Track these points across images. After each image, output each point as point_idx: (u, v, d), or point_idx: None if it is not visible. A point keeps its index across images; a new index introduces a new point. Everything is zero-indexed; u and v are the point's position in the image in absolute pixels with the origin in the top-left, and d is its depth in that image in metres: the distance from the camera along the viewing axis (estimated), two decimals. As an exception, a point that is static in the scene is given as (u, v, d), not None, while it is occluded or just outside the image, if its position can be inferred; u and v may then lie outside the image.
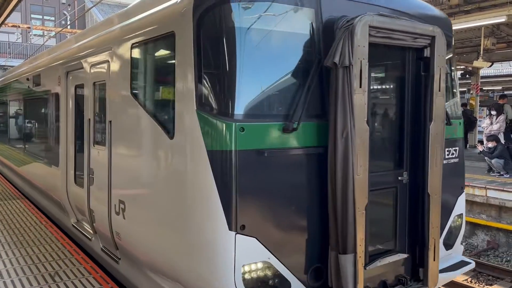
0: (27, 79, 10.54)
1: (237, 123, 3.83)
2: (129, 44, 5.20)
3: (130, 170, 5.26)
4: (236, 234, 3.82)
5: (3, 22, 13.40)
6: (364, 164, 4.13)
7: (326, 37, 4.29)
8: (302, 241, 4.22)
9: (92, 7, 19.10)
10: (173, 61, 4.35)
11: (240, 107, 3.91)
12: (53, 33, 32.17)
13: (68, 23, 32.01)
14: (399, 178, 4.85)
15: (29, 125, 10.96)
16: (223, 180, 3.83)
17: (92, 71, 6.39)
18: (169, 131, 4.41)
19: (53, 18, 39.73)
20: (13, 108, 13.09)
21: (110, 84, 5.72)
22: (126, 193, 5.33)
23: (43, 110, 9.33)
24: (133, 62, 5.18)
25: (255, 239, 3.90)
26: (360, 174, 4.10)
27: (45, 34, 34.22)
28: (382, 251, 4.77)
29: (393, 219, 4.87)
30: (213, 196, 3.85)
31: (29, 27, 33.30)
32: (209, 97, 3.99)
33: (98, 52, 6.16)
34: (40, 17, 42.14)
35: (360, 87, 4.05)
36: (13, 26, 32.92)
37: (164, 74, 4.85)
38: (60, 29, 30.53)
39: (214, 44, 3.99)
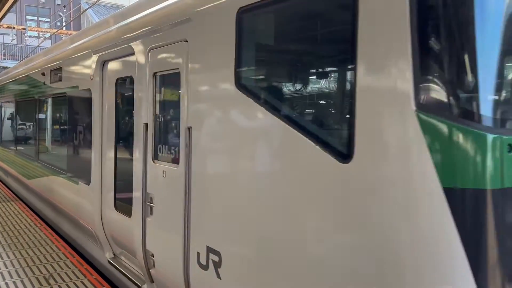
0: (42, 74, 8.65)
1: (503, 137, 2.11)
2: (233, 8, 3.34)
3: (235, 206, 3.34)
4: None
5: (-2, 23, 13.37)
6: None
7: None
8: None
9: (87, 9, 19.06)
10: (348, 25, 2.50)
11: (501, 108, 2.23)
12: (48, 34, 32.13)
13: (64, 24, 31.95)
14: None
15: (44, 129, 9.02)
16: (481, 248, 2.09)
17: (152, 57, 4.51)
18: (338, 150, 2.56)
19: (48, 20, 39.68)
20: (21, 109, 11.18)
21: (190, 74, 3.86)
22: (224, 240, 3.46)
23: (64, 111, 7.46)
24: (244, 36, 3.29)
25: None
26: None
27: (40, 35, 34.17)
28: None
29: None
30: (460, 278, 2.13)
31: (24, 29, 33.28)
32: (445, 88, 2.17)
33: (163, 28, 4.29)
34: (35, 18, 42.05)
35: None
36: (8, 27, 32.89)
37: (321, 48, 2.92)
38: (55, 30, 30.52)
39: None
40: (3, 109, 13.80)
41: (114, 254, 5.90)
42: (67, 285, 5.42)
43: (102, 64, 5.82)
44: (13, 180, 11.94)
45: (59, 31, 31.44)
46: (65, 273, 5.81)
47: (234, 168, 3.37)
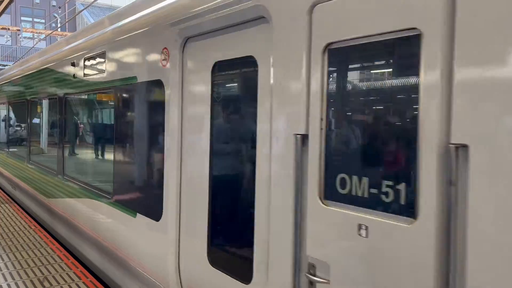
0: (72, 64, 6.65)
1: None
2: None
3: None
4: None
5: (-8, 24, 13.34)
6: None
7: None
8: None
9: (82, 10, 19.01)
10: None
11: None
12: (43, 35, 32.06)
13: (59, 25, 31.87)
14: None
15: (73, 137, 7.26)
16: None
17: (320, 18, 2.59)
18: None
19: (43, 21, 39.58)
20: (35, 111, 9.46)
21: (461, 36, 1.92)
22: None
23: (109, 113, 5.71)
24: None
25: None
26: None
27: (35, 36, 34.07)
28: None
29: None
30: None
31: (19, 30, 33.19)
32: None
33: None
34: (30, 19, 41.91)
35: None
36: (2, 28, 32.80)
37: None
38: (50, 31, 30.44)
39: None
40: (10, 111, 12.10)
41: None
42: (61, 287, 5.40)
43: (184, 42, 3.99)
44: (24, 196, 10.07)
45: (54, 32, 31.35)
46: (60, 275, 5.78)
47: None
